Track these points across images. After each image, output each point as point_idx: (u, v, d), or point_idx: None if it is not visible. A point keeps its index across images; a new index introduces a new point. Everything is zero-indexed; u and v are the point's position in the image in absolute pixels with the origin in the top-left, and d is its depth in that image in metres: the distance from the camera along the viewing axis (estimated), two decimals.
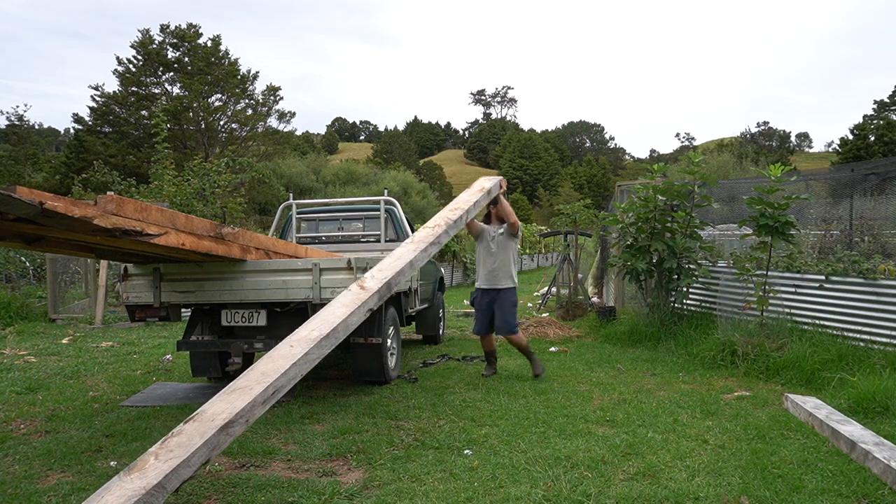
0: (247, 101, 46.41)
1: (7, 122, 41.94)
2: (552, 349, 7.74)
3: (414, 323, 8.27)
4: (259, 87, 50.18)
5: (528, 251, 29.38)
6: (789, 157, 70.94)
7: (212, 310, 5.44)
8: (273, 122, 50.46)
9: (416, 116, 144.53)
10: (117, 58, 43.88)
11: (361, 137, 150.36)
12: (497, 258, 6.00)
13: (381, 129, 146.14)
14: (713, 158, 45.14)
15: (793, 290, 6.60)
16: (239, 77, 44.88)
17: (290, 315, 5.41)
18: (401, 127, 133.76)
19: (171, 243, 3.90)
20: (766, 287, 6.51)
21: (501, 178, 5.98)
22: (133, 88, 43.10)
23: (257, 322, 5.17)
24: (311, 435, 4.35)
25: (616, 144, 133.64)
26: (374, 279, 4.01)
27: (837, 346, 5.72)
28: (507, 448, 3.98)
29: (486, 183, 5.68)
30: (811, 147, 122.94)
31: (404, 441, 4.18)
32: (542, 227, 32.32)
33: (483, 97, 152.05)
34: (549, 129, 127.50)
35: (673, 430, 4.35)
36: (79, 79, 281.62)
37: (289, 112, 56.45)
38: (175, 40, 44.17)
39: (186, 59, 44.13)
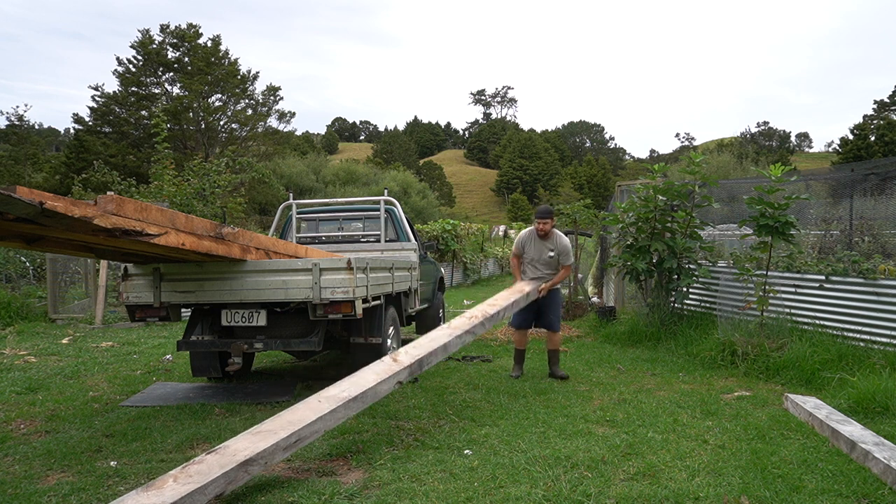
0: (247, 101, 46.42)
1: (7, 122, 42.06)
2: None
3: (414, 323, 8.26)
4: (259, 87, 50.26)
5: None
6: (789, 157, 70.88)
7: (212, 310, 5.44)
8: (273, 122, 50.52)
9: (416, 116, 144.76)
10: (117, 58, 43.95)
11: (361, 137, 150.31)
12: (550, 268, 6.25)
13: (381, 129, 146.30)
14: (713, 158, 45.18)
15: (793, 290, 6.61)
16: (239, 77, 44.87)
17: (290, 315, 5.42)
18: (401, 127, 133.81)
19: (171, 243, 3.90)
20: (766, 287, 6.51)
21: (541, 284, 6.17)
22: (133, 88, 43.09)
23: (257, 322, 5.16)
24: None
25: (616, 144, 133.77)
26: (408, 355, 4.22)
27: (837, 346, 5.72)
28: (507, 448, 3.98)
29: (526, 287, 6.08)
30: (811, 147, 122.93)
31: (404, 441, 4.17)
32: None
33: (483, 97, 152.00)
34: (549, 129, 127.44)
35: (673, 430, 4.35)
36: (79, 79, 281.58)
37: (289, 112, 56.56)
38: (175, 40, 44.17)
39: (186, 59, 44.12)
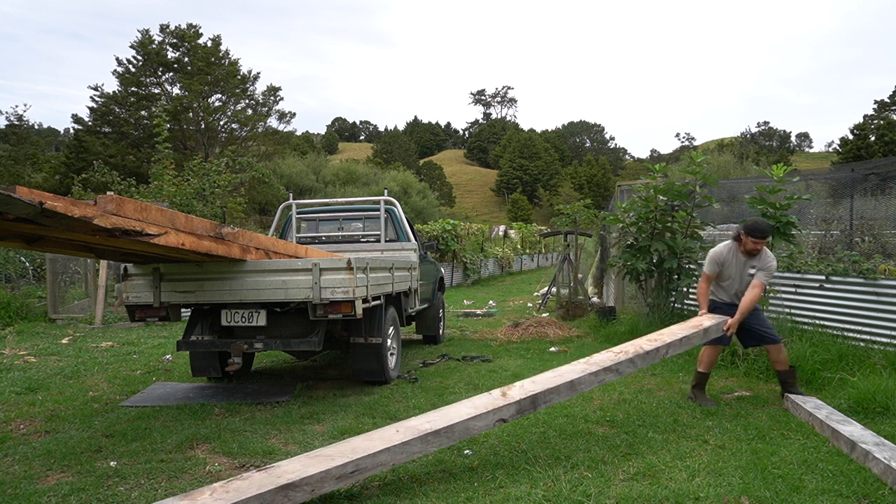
0: (247, 101, 46.43)
1: (7, 122, 42.04)
2: (552, 349, 7.73)
3: (414, 323, 8.26)
4: (259, 87, 50.22)
5: (528, 251, 29.38)
6: (789, 157, 70.92)
7: (212, 310, 5.43)
8: (273, 122, 50.53)
9: (416, 116, 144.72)
10: (117, 58, 43.98)
11: (361, 137, 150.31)
12: (746, 284, 5.04)
13: (381, 129, 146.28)
14: (714, 158, 45.09)
15: (793, 290, 6.60)
16: (239, 77, 44.88)
17: (290, 315, 5.42)
18: (401, 127, 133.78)
19: (171, 243, 3.90)
20: (767, 287, 6.50)
21: (727, 319, 4.97)
22: (133, 89, 43.10)
23: (257, 322, 5.16)
24: (311, 435, 4.35)
25: (616, 144, 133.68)
26: (522, 389, 3.69)
27: (837, 346, 5.72)
28: (507, 448, 3.97)
29: (706, 321, 4.87)
30: (811, 147, 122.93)
31: None
32: (542, 227, 32.32)
33: (483, 97, 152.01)
34: (549, 129, 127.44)
35: (673, 430, 4.35)
36: (78, 79, 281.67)
37: (289, 112, 56.56)
38: (175, 40, 44.17)
39: (186, 59, 44.13)
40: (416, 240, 7.64)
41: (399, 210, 7.71)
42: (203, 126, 43.95)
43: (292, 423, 4.63)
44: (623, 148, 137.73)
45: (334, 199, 8.64)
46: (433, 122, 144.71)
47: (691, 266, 7.81)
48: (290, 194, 8.19)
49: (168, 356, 7.50)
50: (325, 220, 8.14)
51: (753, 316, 5.07)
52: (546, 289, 13.54)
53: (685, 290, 7.81)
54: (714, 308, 5.19)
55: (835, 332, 6.02)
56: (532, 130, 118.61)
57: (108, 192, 6.02)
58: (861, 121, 62.02)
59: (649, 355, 4.27)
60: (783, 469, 3.54)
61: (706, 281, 5.21)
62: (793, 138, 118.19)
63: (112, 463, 3.80)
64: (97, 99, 42.23)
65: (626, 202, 8.54)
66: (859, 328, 5.91)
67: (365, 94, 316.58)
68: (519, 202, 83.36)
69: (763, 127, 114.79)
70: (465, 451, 3.92)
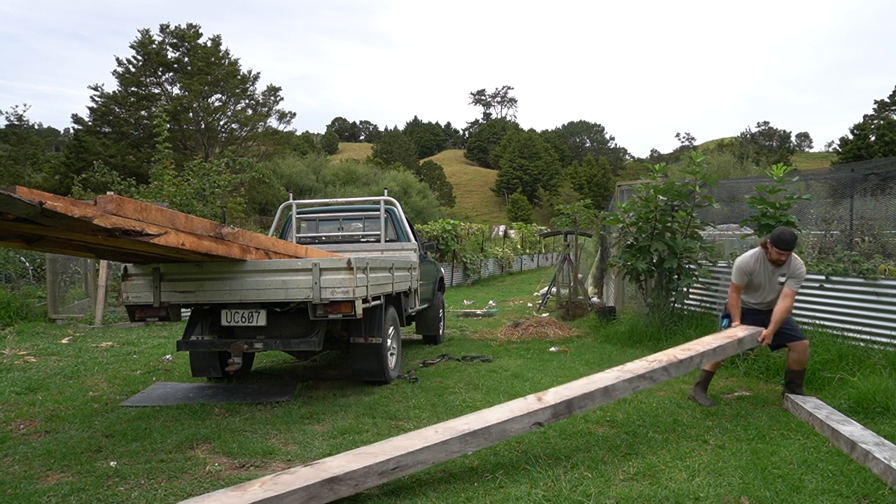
0: (247, 101, 46.45)
1: (7, 122, 42.07)
2: (552, 349, 7.73)
3: (414, 323, 8.26)
4: (259, 87, 50.25)
5: (528, 251, 29.38)
6: (789, 157, 70.90)
7: (212, 310, 5.43)
8: (273, 122, 50.55)
9: (416, 116, 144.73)
10: (117, 58, 44.03)
11: (361, 137, 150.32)
12: (777, 293, 4.98)
13: (381, 129, 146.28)
14: (714, 158, 45.15)
15: None
16: (239, 77, 44.90)
17: (290, 315, 5.42)
18: (401, 127, 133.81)
19: (171, 243, 3.90)
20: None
21: (762, 330, 4.89)
22: (133, 89, 43.12)
23: (257, 322, 5.16)
24: (311, 435, 4.35)
25: (616, 144, 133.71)
26: (557, 395, 3.78)
27: (837, 346, 5.72)
28: (507, 448, 3.97)
29: (740, 332, 4.81)
30: (811, 147, 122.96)
31: None
32: (542, 227, 32.32)
33: (483, 97, 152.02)
34: (549, 129, 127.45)
35: (673, 430, 4.35)
36: (78, 79, 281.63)
37: (289, 112, 56.56)
38: (175, 40, 44.19)
39: (186, 59, 44.15)
40: (416, 240, 7.64)
41: (399, 210, 7.71)
42: (203, 126, 43.96)
43: (292, 423, 4.63)
44: (623, 148, 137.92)
45: (334, 199, 8.64)
46: (433, 122, 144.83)
47: (691, 266, 7.81)
48: (290, 194, 8.19)
49: (168, 356, 7.50)
50: (325, 220, 8.14)
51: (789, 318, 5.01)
52: (546, 289, 13.54)
53: (685, 290, 7.81)
54: (743, 312, 5.14)
55: (835, 332, 6.02)
56: (532, 130, 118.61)
57: (108, 192, 6.02)
58: (861, 121, 62.09)
59: (682, 364, 4.28)
60: (783, 469, 3.54)
61: (735, 291, 5.12)
62: (793, 138, 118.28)
63: (112, 463, 3.80)
64: (97, 99, 42.28)
65: (626, 202, 8.54)
66: (859, 328, 5.91)
67: (365, 94, 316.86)
68: (519, 202, 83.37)
69: (763, 127, 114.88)
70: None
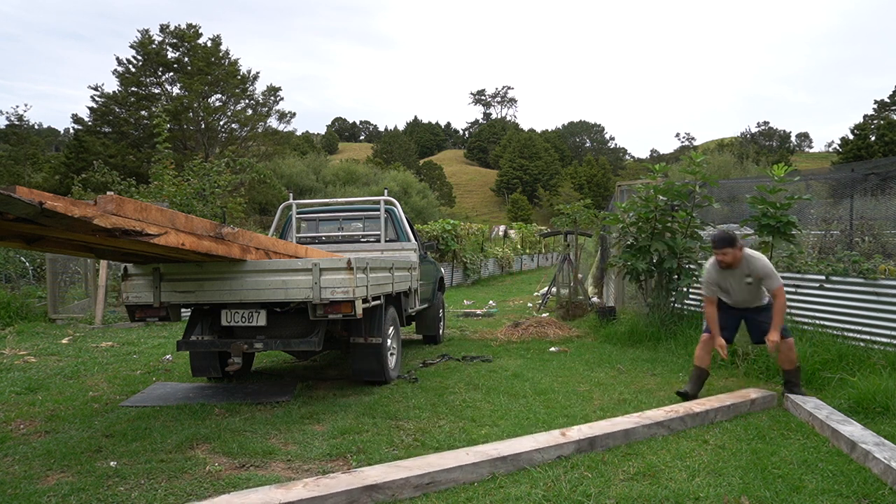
0: (247, 101, 46.46)
1: (7, 122, 42.08)
2: (552, 349, 7.73)
3: (414, 323, 8.26)
4: (259, 87, 50.28)
5: (528, 251, 29.38)
6: (790, 157, 70.97)
7: (212, 310, 5.43)
8: (273, 122, 50.55)
9: (416, 116, 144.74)
10: (117, 58, 44.01)
11: (361, 137, 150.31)
12: (749, 293, 5.11)
13: (381, 129, 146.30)
14: (714, 158, 45.19)
15: (793, 290, 6.60)
16: (239, 77, 44.90)
17: (290, 315, 5.42)
18: (401, 127, 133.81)
19: (171, 243, 3.90)
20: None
21: (774, 395, 5.04)
22: (133, 89, 43.13)
23: (257, 322, 5.16)
24: (311, 435, 4.35)
25: (616, 144, 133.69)
26: (580, 431, 4.05)
27: (837, 346, 5.72)
28: None
29: (753, 394, 4.97)
30: (811, 147, 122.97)
31: (404, 441, 4.17)
32: (542, 227, 32.32)
33: (483, 97, 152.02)
34: (549, 129, 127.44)
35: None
36: (78, 79, 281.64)
37: (289, 112, 56.53)
38: (175, 40, 44.19)
39: (186, 59, 44.15)
40: (416, 240, 7.64)
41: (399, 210, 7.71)
42: (203, 126, 43.96)
43: (292, 423, 4.63)
44: (623, 148, 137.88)
45: (334, 199, 8.64)
46: (433, 122, 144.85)
47: (691, 266, 7.80)
48: (291, 194, 8.19)
49: (168, 356, 7.50)
50: (325, 220, 8.14)
51: (763, 311, 5.11)
52: (546, 289, 13.54)
53: (685, 289, 7.81)
54: (719, 305, 5.22)
55: (835, 332, 6.02)
56: (532, 130, 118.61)
57: (108, 192, 6.02)
58: (861, 121, 62.13)
59: (698, 416, 4.54)
60: (783, 469, 3.54)
61: (710, 304, 5.19)
62: (793, 138, 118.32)
63: (112, 463, 3.80)
64: (97, 99, 42.29)
65: (626, 202, 8.54)
66: (859, 328, 5.91)
67: (365, 94, 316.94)
68: (519, 202, 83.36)
69: (763, 127, 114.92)
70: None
